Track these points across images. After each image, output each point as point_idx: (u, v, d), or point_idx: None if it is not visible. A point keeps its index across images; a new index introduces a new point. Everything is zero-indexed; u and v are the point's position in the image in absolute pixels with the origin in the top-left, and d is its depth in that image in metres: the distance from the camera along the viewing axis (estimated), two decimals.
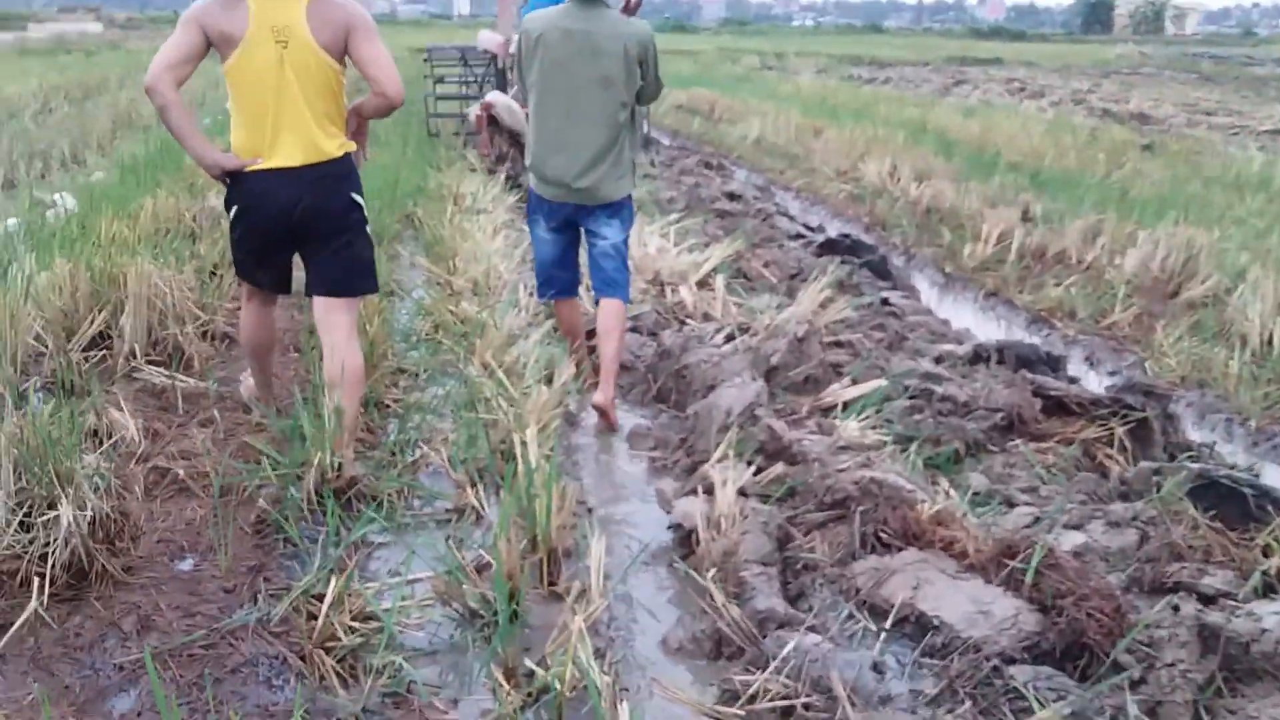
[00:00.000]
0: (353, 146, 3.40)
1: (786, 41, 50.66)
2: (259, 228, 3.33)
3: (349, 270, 3.42)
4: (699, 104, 16.78)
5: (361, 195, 3.42)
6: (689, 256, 6.06)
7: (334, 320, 3.40)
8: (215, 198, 6.61)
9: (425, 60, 12.65)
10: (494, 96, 9.40)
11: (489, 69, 12.03)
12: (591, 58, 3.96)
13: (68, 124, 11.54)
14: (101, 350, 4.27)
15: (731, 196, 8.77)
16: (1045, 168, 9.73)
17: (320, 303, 3.42)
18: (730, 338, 4.65)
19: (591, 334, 4.55)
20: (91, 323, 4.27)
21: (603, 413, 4.17)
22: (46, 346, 4.10)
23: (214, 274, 5.39)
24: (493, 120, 9.39)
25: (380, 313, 4.77)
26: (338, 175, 3.30)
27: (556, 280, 4.43)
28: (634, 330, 4.95)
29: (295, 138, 3.19)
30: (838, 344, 4.69)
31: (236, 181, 3.27)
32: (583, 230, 4.31)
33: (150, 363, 4.23)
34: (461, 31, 32.78)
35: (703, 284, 5.66)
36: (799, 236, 7.34)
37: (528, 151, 4.25)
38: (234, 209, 3.32)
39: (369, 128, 3.59)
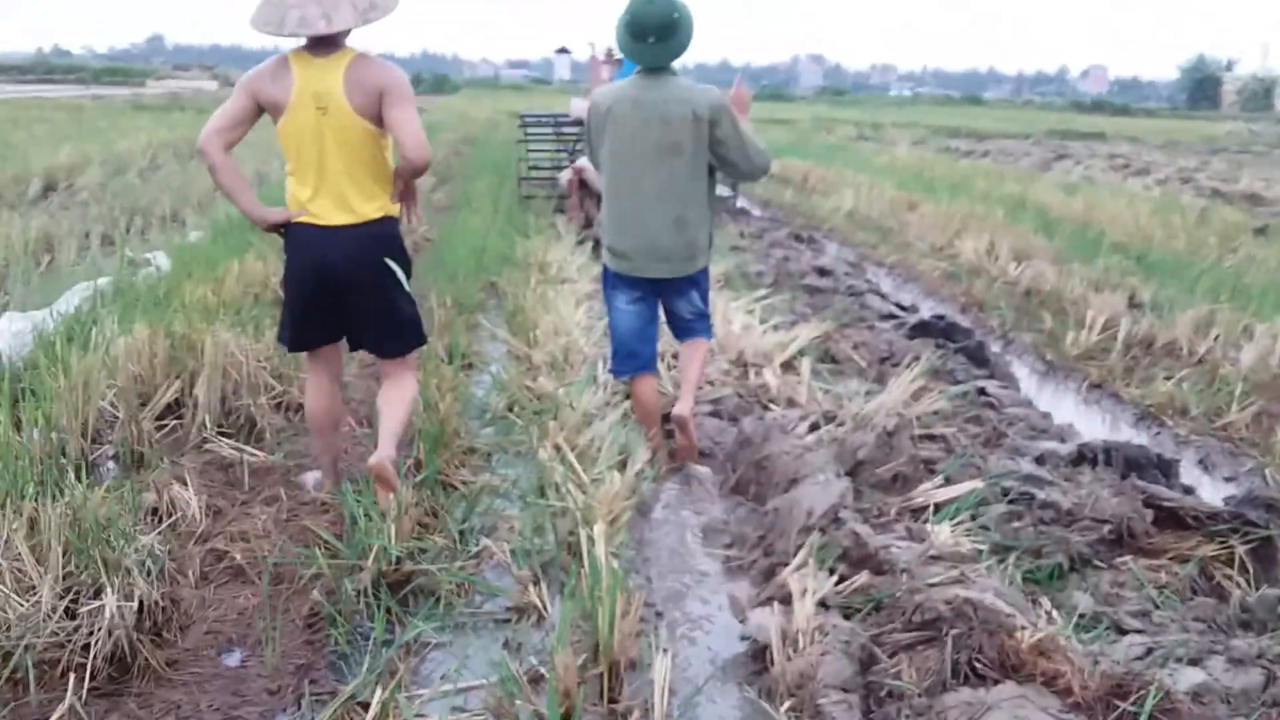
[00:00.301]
0: (395, 209, 3.49)
1: (883, 112, 50.54)
2: (302, 277, 3.47)
3: (391, 333, 3.60)
4: (792, 174, 16.66)
5: (401, 257, 3.49)
6: (775, 336, 5.87)
7: (387, 369, 3.71)
8: None
9: (520, 127, 12.83)
10: (585, 161, 9.56)
11: (579, 136, 12.12)
12: (660, 126, 3.92)
13: (172, 181, 11.89)
14: (175, 419, 4.23)
15: (822, 272, 8.57)
16: (1152, 250, 9.33)
17: (383, 366, 3.73)
18: (815, 427, 4.43)
19: (666, 418, 4.41)
20: (167, 389, 4.24)
21: (682, 426, 4.18)
22: (119, 414, 4.07)
23: None
24: (583, 185, 9.87)
25: (454, 389, 4.66)
26: (375, 237, 3.41)
27: (637, 355, 4.29)
28: (714, 415, 4.77)
29: (334, 199, 3.34)
30: (930, 437, 4.43)
31: (288, 232, 3.45)
32: (660, 303, 4.29)
33: (221, 433, 4.18)
34: (560, 97, 33.47)
35: (788, 366, 5.45)
36: (891, 317, 7.09)
37: (603, 228, 4.20)
38: (285, 258, 3.53)
39: (416, 190, 3.61)
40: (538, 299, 6.70)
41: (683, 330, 4.35)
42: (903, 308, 7.61)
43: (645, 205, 3.98)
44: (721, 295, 7.07)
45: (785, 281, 7.95)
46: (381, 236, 3.43)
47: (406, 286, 3.52)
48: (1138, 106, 79.07)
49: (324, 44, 3.27)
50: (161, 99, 34.20)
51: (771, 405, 4.92)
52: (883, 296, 7.71)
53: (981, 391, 5.25)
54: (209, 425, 4.18)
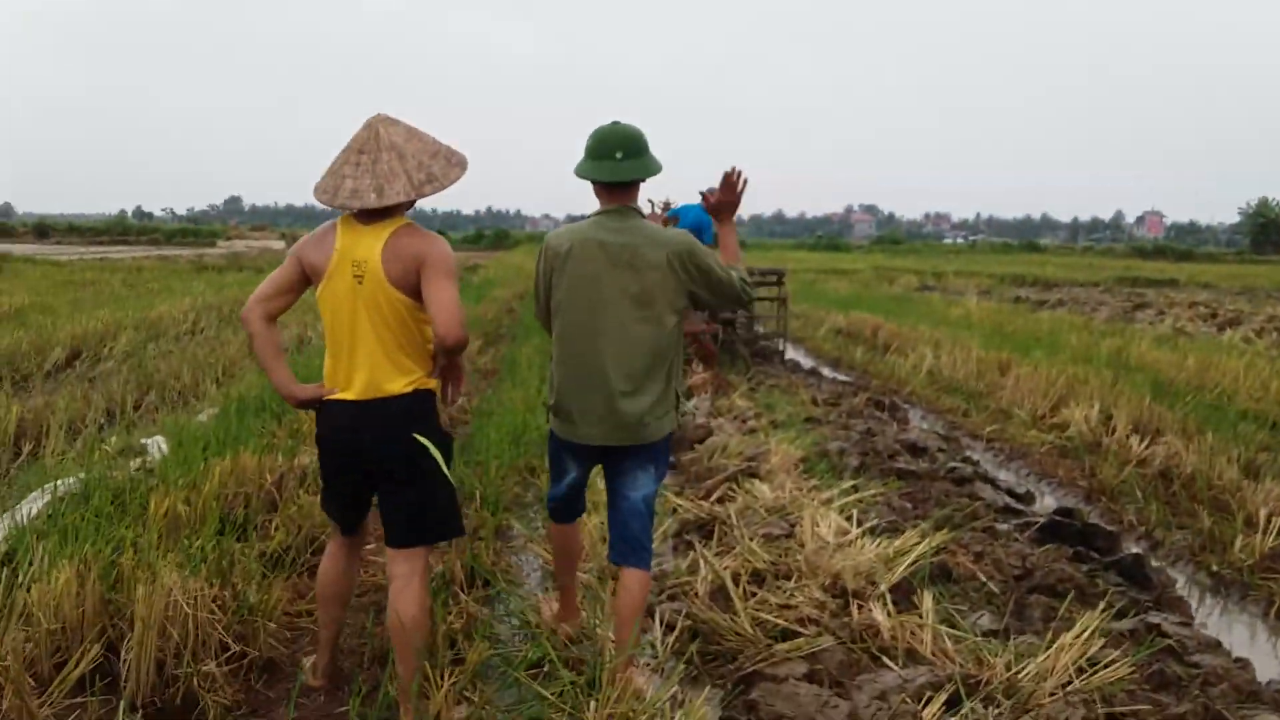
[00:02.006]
0: (431, 384, 3.26)
1: (942, 260, 49.91)
2: (330, 458, 3.33)
3: (412, 516, 3.25)
4: (860, 329, 15.66)
5: (436, 435, 3.21)
6: (874, 546, 4.72)
7: (395, 570, 3.26)
8: (310, 452, 5.69)
9: None
10: None
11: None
12: (629, 272, 3.43)
13: (199, 351, 11.15)
14: (91, 696, 3.17)
15: (915, 450, 7.43)
16: None
17: (389, 553, 3.30)
18: (953, 703, 3.24)
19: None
20: (83, 654, 3.20)
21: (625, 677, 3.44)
22: (21, 693, 3.02)
23: (280, 560, 4.35)
24: None
25: (475, 625, 3.57)
26: (404, 413, 3.18)
27: (574, 508, 3.90)
28: (809, 678, 3.58)
29: (364, 373, 3.17)
30: (1114, 717, 3.22)
31: (320, 410, 3.28)
32: (606, 482, 3.72)
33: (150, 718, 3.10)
34: None
35: (898, 591, 4.29)
36: (1008, 510, 5.91)
37: (549, 388, 3.69)
38: (317, 436, 3.35)
39: (461, 366, 3.36)
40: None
41: (625, 543, 3.60)
42: (1017, 497, 6.42)
43: (605, 360, 3.44)
44: (803, 485, 5.96)
45: (873, 464, 6.82)
46: (413, 413, 3.20)
47: (445, 468, 3.23)
48: (1200, 251, 77.78)
49: (375, 211, 3.14)
50: (223, 259, 34.30)
51: (885, 658, 3.74)
52: (993, 484, 6.52)
53: (1157, 630, 4.03)
54: (139, 705, 3.11)
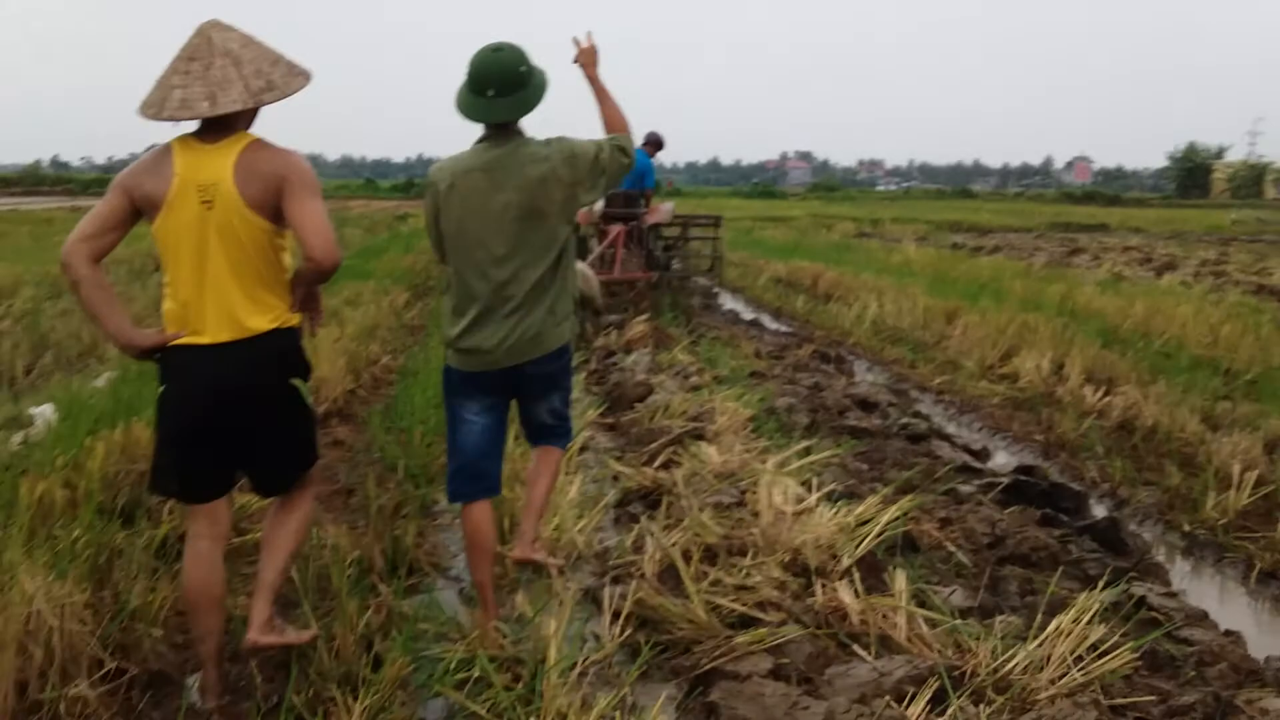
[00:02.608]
0: (294, 319, 3.01)
1: (878, 207, 49.85)
2: (183, 416, 2.91)
3: (289, 463, 3.12)
4: (801, 277, 15.33)
5: (303, 374, 3.04)
6: (833, 515, 4.36)
7: (281, 510, 3.16)
8: None
9: None
10: (582, 266, 9.43)
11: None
12: (515, 191, 3.36)
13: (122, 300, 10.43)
14: None
15: (865, 405, 7.10)
16: (1250, 367, 7.88)
17: (275, 503, 3.18)
18: (939, 699, 2.89)
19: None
20: None
21: (527, 562, 3.75)
22: None
23: (172, 550, 3.87)
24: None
25: (395, 622, 3.14)
26: (272, 354, 2.94)
27: (483, 476, 3.61)
28: (775, 674, 3.20)
29: (220, 311, 2.84)
30: (1117, 711, 2.90)
31: (163, 358, 2.91)
32: (519, 397, 3.66)
33: None
34: None
35: (864, 566, 3.93)
36: (967, 469, 5.60)
37: (444, 321, 3.59)
38: (160, 390, 2.94)
39: (319, 297, 3.15)
40: (517, 463, 5.20)
41: (538, 433, 3.77)
42: (974, 453, 6.12)
43: (505, 287, 3.39)
44: (752, 446, 5.59)
45: (824, 422, 6.46)
46: (280, 353, 2.96)
47: (308, 403, 3.07)
48: (1129, 196, 79.02)
49: (216, 128, 2.84)
50: None
51: (856, 646, 3.38)
52: (950, 441, 6.21)
53: (1142, 603, 3.73)
54: None
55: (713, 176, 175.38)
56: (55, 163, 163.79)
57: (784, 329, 11.37)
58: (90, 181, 63.07)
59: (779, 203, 56.96)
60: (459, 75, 3.40)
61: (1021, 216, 42.02)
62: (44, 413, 6.00)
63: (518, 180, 3.36)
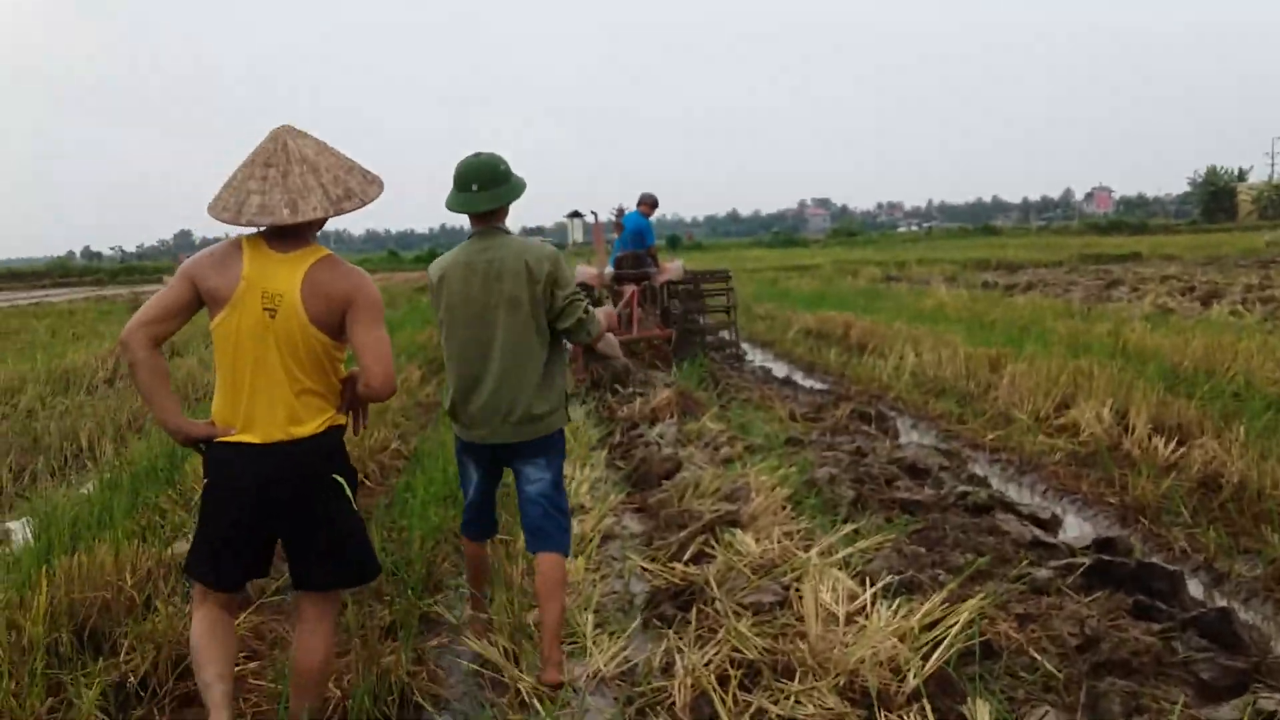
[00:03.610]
0: (341, 420, 3.05)
1: (901, 249, 49.28)
2: (224, 506, 2.97)
3: (329, 557, 3.02)
4: (831, 328, 14.72)
5: (347, 473, 3.03)
6: (892, 618, 3.73)
7: (306, 613, 3.08)
8: (187, 540, 4.62)
9: None
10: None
11: (586, 301, 11.71)
12: (496, 282, 3.80)
13: (113, 403, 9.98)
14: None
15: (914, 471, 6.47)
16: None
17: (297, 596, 3.16)
18: None
19: None
20: None
21: (556, 687, 3.64)
22: None
23: (133, 696, 3.31)
24: (589, 350, 9.08)
25: None
26: (316, 453, 2.94)
27: (477, 521, 4.11)
28: None
29: (271, 412, 2.87)
30: None
31: (210, 452, 2.96)
32: (514, 475, 3.99)
33: None
34: (573, 259, 31.97)
35: (935, 685, 3.30)
36: (1038, 545, 4.96)
37: (444, 396, 4.02)
38: (204, 483, 3.02)
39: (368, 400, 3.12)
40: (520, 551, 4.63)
41: (533, 531, 3.91)
42: (1042, 523, 5.47)
43: (488, 365, 3.80)
44: (793, 530, 4.98)
45: (871, 495, 5.83)
46: (326, 450, 2.98)
47: (353, 502, 3.04)
48: (1155, 223, 77.95)
49: (288, 236, 2.89)
50: None
51: None
52: (1015, 511, 5.56)
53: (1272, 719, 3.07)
54: None
55: (732, 228, 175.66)
56: (87, 253, 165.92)
57: (818, 386, 10.76)
58: (118, 270, 63.42)
59: (801, 251, 56.49)
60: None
61: (1049, 250, 41.25)
62: (22, 527, 5.51)
63: (498, 273, 3.78)
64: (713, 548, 4.91)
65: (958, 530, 5.09)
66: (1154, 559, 4.91)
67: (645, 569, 4.88)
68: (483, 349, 3.80)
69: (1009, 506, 5.63)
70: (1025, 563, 4.68)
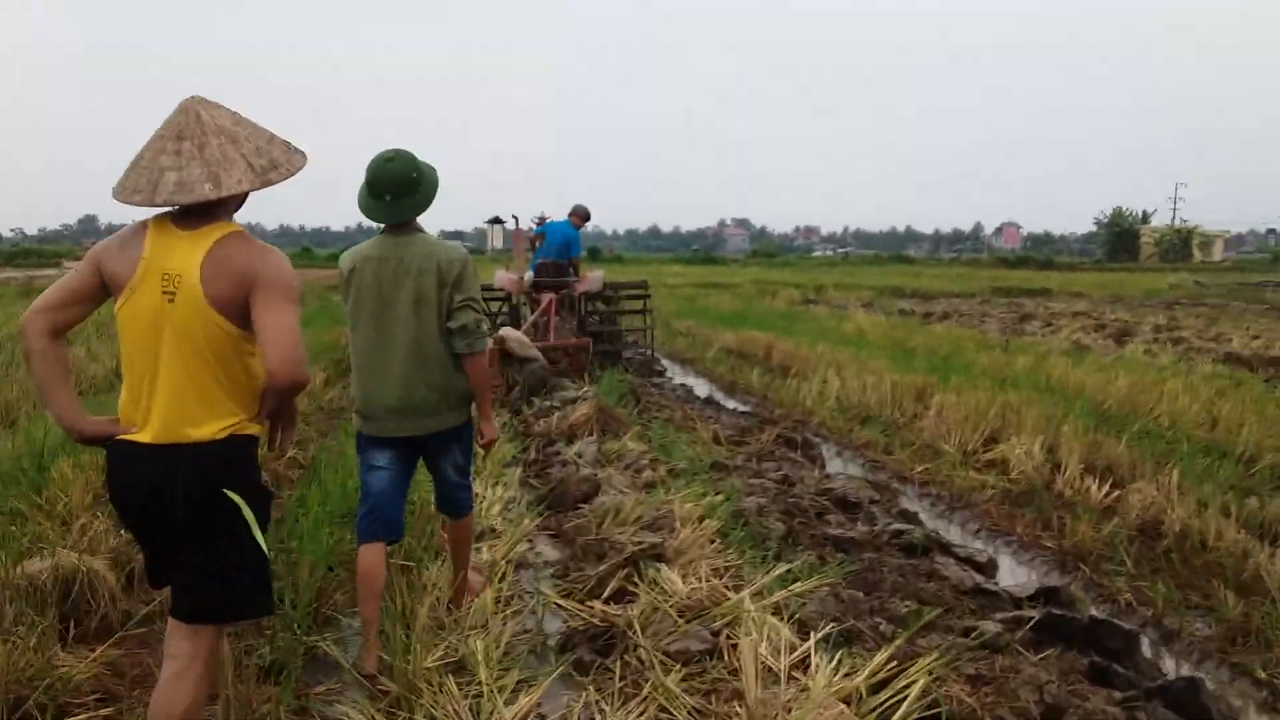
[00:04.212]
0: (253, 430, 2.69)
1: (819, 273, 49.64)
2: (121, 511, 2.74)
3: (206, 586, 2.65)
4: (753, 348, 14.48)
5: (253, 491, 2.64)
6: (838, 674, 3.38)
7: (173, 648, 2.70)
8: (43, 557, 4.06)
9: None
10: (506, 331, 10.26)
11: (503, 306, 12.84)
12: (404, 279, 3.81)
13: None
14: None
15: (845, 504, 6.16)
16: (1266, 455, 7.10)
17: (171, 626, 2.73)
18: None
19: None
20: None
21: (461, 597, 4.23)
22: None
23: None
24: (505, 354, 9.83)
25: None
26: (212, 462, 2.59)
27: (391, 523, 3.98)
28: None
29: (167, 410, 2.58)
30: None
31: (109, 449, 2.66)
32: (425, 462, 4.11)
33: None
34: (493, 267, 31.00)
35: None
36: (979, 592, 4.67)
37: (352, 389, 4.02)
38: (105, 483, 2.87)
39: (295, 410, 2.79)
40: (428, 581, 4.17)
41: (448, 500, 4.18)
42: (980, 567, 5.20)
43: (395, 361, 3.83)
44: (722, 567, 4.61)
45: (801, 531, 5.49)
46: (224, 460, 2.61)
47: (256, 533, 2.62)
48: (1061, 260, 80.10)
49: (197, 213, 2.58)
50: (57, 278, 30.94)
51: None
52: (952, 554, 5.27)
53: None
54: None
55: (653, 243, 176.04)
56: None
57: (741, 407, 10.44)
58: (14, 254, 60.59)
59: (720, 269, 56.64)
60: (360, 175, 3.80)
61: (961, 281, 41.93)
62: None
63: (406, 269, 3.80)
64: (635, 584, 4.50)
65: (895, 574, 4.77)
66: (1098, 611, 4.68)
67: (561, 605, 4.45)
68: (390, 344, 3.82)
69: (945, 548, 5.34)
70: (968, 613, 4.38)
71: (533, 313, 11.80)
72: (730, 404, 10.70)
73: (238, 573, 2.68)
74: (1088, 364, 11.60)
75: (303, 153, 2.77)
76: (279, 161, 2.68)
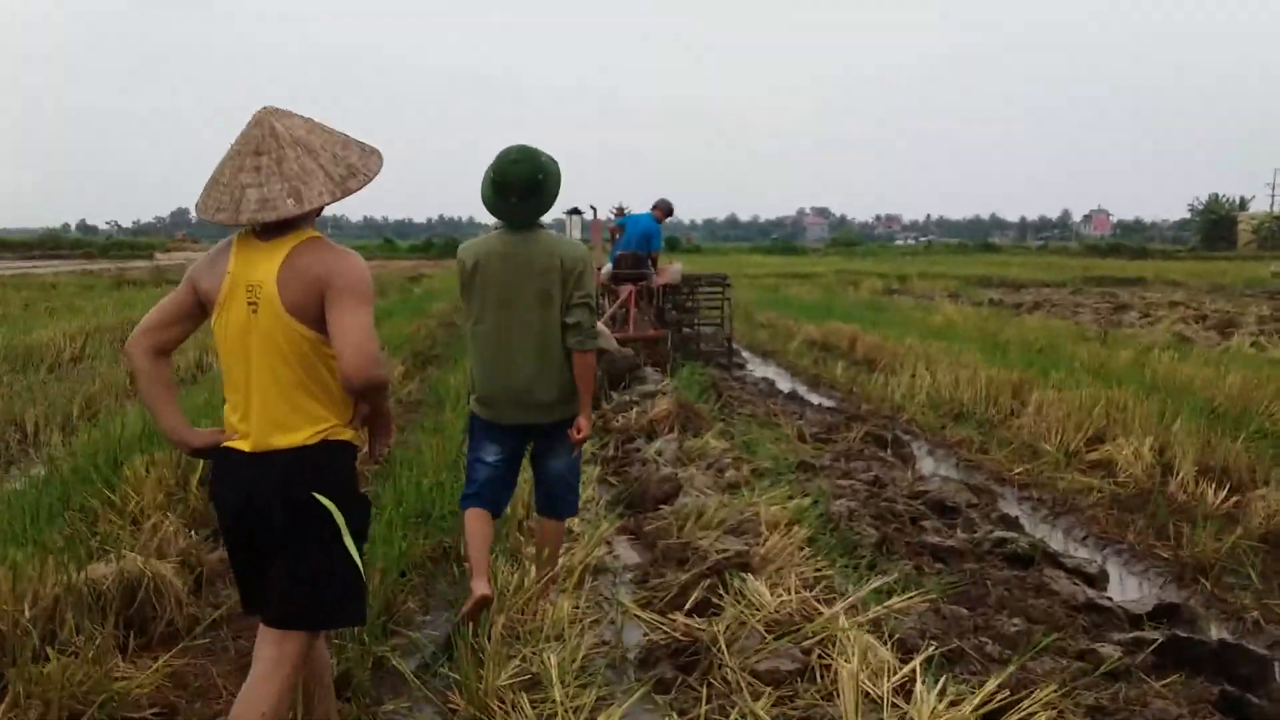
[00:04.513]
0: (346, 435, 2.68)
1: (901, 262, 48.70)
2: (221, 517, 2.76)
3: (297, 591, 2.62)
4: (837, 340, 14.11)
5: (348, 498, 2.64)
6: (943, 703, 3.09)
7: (261, 653, 2.65)
8: (108, 562, 3.95)
9: None
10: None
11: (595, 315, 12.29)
12: (529, 277, 3.91)
13: (76, 384, 9.26)
14: None
15: (941, 509, 5.84)
16: None
17: (260, 630, 2.69)
18: None
19: None
20: None
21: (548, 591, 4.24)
22: None
23: None
24: None
25: None
26: (302, 468, 2.60)
27: (492, 497, 4.11)
28: None
29: (262, 418, 2.61)
30: None
31: (212, 458, 2.75)
32: (531, 459, 4.24)
33: None
34: None
35: None
36: (1091, 608, 4.32)
37: (472, 380, 4.13)
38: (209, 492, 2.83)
39: (389, 414, 2.79)
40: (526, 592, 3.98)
41: (553, 499, 4.25)
42: (1089, 578, 4.84)
43: (517, 354, 3.93)
44: (812, 576, 4.34)
45: (896, 538, 5.18)
46: (315, 466, 2.61)
47: (347, 540, 2.58)
48: (1154, 248, 77.53)
49: (279, 225, 2.56)
50: (146, 274, 31.56)
51: None
52: (1061, 565, 4.91)
53: None
54: None
55: (731, 233, 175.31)
56: (82, 226, 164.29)
57: (826, 403, 10.09)
58: (110, 245, 62.21)
59: (800, 259, 55.95)
60: (484, 158, 3.87)
61: (1051, 270, 40.73)
62: None
63: (531, 266, 3.90)
64: (720, 595, 4.25)
65: (1000, 587, 4.45)
66: (1223, 630, 4.30)
67: (640, 619, 4.21)
68: (515, 337, 3.92)
69: (1053, 558, 4.99)
70: (1081, 632, 4.05)
71: (610, 305, 11.73)
72: (814, 399, 10.36)
73: (328, 579, 2.66)
74: (1193, 358, 11.00)
75: (378, 152, 2.73)
76: (357, 168, 2.65)
